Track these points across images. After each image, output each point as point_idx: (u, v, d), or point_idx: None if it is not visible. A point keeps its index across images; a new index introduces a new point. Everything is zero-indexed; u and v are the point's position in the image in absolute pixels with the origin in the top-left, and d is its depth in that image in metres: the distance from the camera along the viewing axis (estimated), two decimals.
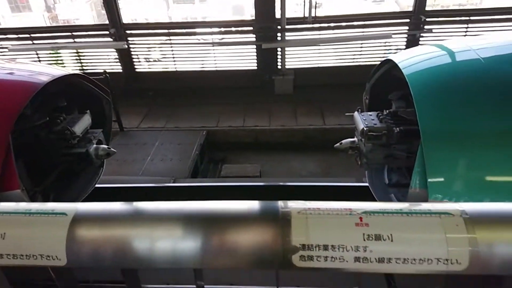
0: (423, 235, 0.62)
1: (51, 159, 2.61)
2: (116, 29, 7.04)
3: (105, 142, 2.97)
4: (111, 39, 7.20)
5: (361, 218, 0.64)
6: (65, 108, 2.76)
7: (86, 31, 7.44)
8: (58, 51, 7.60)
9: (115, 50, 7.52)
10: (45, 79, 2.38)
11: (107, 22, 7.14)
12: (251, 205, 0.73)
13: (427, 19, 6.33)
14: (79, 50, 7.62)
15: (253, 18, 6.84)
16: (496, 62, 2.36)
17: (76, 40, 7.34)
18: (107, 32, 7.14)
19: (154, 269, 0.67)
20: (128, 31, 7.26)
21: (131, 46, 7.43)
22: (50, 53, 7.69)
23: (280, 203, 0.71)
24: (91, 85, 2.90)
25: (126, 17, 7.49)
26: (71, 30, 7.45)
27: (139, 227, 0.69)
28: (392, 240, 0.61)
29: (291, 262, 0.63)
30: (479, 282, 0.63)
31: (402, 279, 2.68)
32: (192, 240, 0.67)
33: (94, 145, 2.73)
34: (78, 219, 0.71)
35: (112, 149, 2.80)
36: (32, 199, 2.25)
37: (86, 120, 2.78)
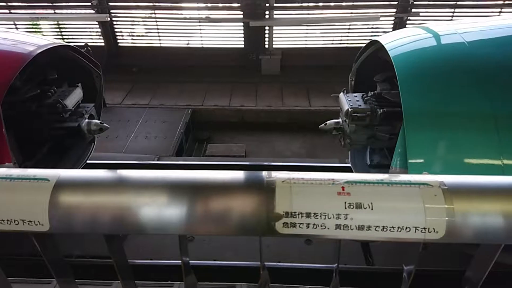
0: (402, 204, 0.64)
1: (41, 133, 2.53)
2: (99, 0, 6.80)
3: (97, 117, 2.90)
4: (93, 11, 6.95)
5: (343, 188, 0.65)
6: (55, 80, 2.67)
7: (68, 2, 7.15)
8: (38, 22, 7.30)
9: (97, 23, 7.27)
10: (35, 49, 2.29)
11: None
12: (237, 175, 0.73)
13: (415, 2, 6.34)
14: (59, 22, 7.34)
15: None
16: (480, 46, 2.39)
17: (57, 11, 7.06)
18: (89, 4, 6.89)
19: (140, 234, 0.67)
20: (111, 3, 7.01)
21: (114, 19, 7.20)
22: (29, 24, 7.38)
23: (265, 173, 0.72)
24: (82, 58, 2.81)
25: None
26: (51, 0, 7.15)
27: (124, 193, 0.69)
28: (372, 209, 0.63)
29: (274, 229, 0.64)
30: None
31: (380, 258, 2.77)
32: (179, 206, 0.67)
33: (86, 120, 2.67)
34: (61, 185, 0.70)
35: (105, 124, 2.73)
36: None
37: (77, 94, 2.70)
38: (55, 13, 7.08)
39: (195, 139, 6.03)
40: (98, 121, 2.73)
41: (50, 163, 2.68)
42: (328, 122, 2.97)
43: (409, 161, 2.02)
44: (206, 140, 5.88)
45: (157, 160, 4.57)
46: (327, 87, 6.36)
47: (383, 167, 2.97)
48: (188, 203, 0.67)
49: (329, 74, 6.71)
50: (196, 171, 0.74)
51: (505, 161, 1.90)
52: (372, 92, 2.79)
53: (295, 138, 5.77)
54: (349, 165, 3.23)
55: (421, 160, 2.04)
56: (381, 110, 2.57)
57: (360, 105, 2.69)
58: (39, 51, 2.28)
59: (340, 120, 2.91)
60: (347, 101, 2.76)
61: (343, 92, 2.94)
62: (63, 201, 0.68)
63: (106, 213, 0.67)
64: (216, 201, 0.67)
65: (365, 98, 2.75)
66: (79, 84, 2.77)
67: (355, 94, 2.86)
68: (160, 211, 0.67)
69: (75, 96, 2.66)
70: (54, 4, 7.03)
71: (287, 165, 4.13)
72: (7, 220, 0.68)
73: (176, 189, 0.69)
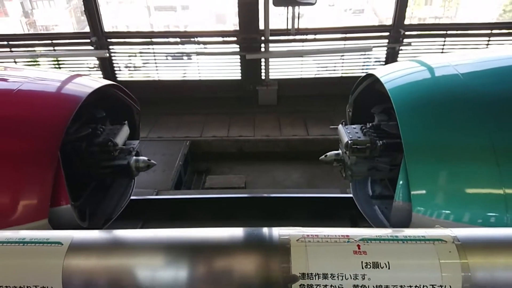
0: (418, 262, 0.64)
1: (90, 172, 2.52)
2: (98, 37, 6.95)
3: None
4: (92, 48, 7.09)
5: (358, 246, 0.65)
6: (100, 119, 2.68)
7: (67, 39, 7.31)
8: (37, 59, 7.43)
9: (96, 59, 7.41)
10: (86, 90, 2.33)
11: (88, 30, 7.04)
12: (248, 232, 0.73)
13: (406, 33, 6.53)
14: (59, 59, 7.47)
15: (237, 28, 6.89)
16: (474, 78, 2.46)
17: (56, 48, 7.20)
18: (88, 40, 7.03)
19: None
20: (109, 40, 7.17)
21: (112, 54, 7.34)
22: (28, 61, 7.51)
23: (278, 230, 0.72)
24: (124, 95, 2.83)
25: (107, 24, 7.40)
26: (51, 38, 7.30)
27: (139, 256, 0.68)
28: (389, 268, 0.63)
29: None
30: None
31: None
32: (190, 269, 0.67)
33: (134, 157, 2.66)
34: (74, 248, 0.69)
35: (152, 161, 2.73)
36: None
37: (125, 131, 2.71)
38: (54, 50, 7.22)
39: (194, 171, 6.01)
40: (145, 158, 2.72)
41: (94, 203, 2.64)
42: (328, 153, 2.99)
43: (412, 193, 2.03)
44: (205, 172, 5.86)
45: (156, 195, 4.54)
46: (323, 116, 6.45)
47: (385, 198, 2.97)
48: (201, 265, 0.67)
49: (325, 103, 6.82)
50: (210, 229, 0.74)
51: (507, 191, 1.91)
52: (370, 124, 2.83)
53: (295, 167, 5.77)
54: (351, 195, 3.23)
55: (424, 192, 2.05)
56: (381, 141, 2.60)
57: (359, 137, 2.72)
58: (89, 91, 2.31)
59: (340, 151, 2.94)
60: (346, 133, 2.80)
61: (342, 124, 2.98)
62: (77, 265, 0.67)
63: (121, 277, 0.67)
64: (229, 262, 0.67)
65: (364, 130, 2.79)
66: (126, 122, 2.79)
67: (354, 126, 2.90)
68: (177, 273, 0.66)
69: (124, 134, 2.67)
70: (53, 42, 7.17)
71: (288, 196, 4.12)
72: (20, 287, 0.67)
73: (188, 250, 0.69)
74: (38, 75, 2.63)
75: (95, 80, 2.61)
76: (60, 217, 1.90)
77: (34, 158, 1.91)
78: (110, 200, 2.76)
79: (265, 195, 4.27)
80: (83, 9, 6.84)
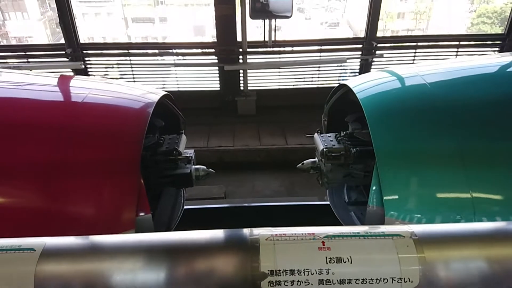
0: (379, 256, 0.68)
1: (152, 182, 2.48)
2: (73, 49, 6.87)
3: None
4: (67, 59, 6.99)
5: (323, 242, 0.69)
6: (158, 128, 2.67)
7: (41, 51, 7.18)
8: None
9: (71, 70, 7.30)
10: (150, 100, 2.36)
11: (63, 41, 6.95)
12: (219, 234, 0.76)
13: (379, 45, 6.76)
14: (33, 71, 7.32)
15: (215, 40, 6.95)
16: (440, 87, 2.58)
17: (30, 60, 7.06)
18: (63, 52, 6.94)
19: None
20: (85, 51, 7.09)
21: (88, 66, 7.25)
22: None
23: (248, 231, 0.75)
24: (172, 104, 2.84)
25: (83, 36, 7.32)
26: (24, 49, 7.16)
27: (114, 260, 0.69)
28: (351, 262, 0.67)
29: None
30: None
31: None
32: (163, 271, 0.69)
33: (194, 166, 2.65)
34: (47, 254, 0.70)
35: (211, 169, 2.73)
36: None
37: (184, 140, 2.71)
38: (28, 62, 7.07)
39: None
40: (204, 167, 2.73)
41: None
42: (305, 162, 3.05)
43: (384, 198, 2.09)
44: None
45: None
46: (302, 126, 6.54)
47: (361, 204, 3.04)
48: (173, 267, 0.69)
49: (302, 113, 6.93)
50: (179, 232, 0.76)
51: (474, 195, 2.01)
52: (344, 132, 2.91)
53: (274, 176, 5.82)
54: (328, 202, 3.29)
55: (396, 197, 2.12)
56: (354, 149, 2.68)
57: (334, 145, 2.80)
58: (154, 102, 2.33)
59: (316, 159, 3.00)
60: (322, 141, 2.87)
61: (317, 132, 3.05)
62: (50, 272, 0.68)
63: (95, 283, 0.68)
64: (198, 263, 0.69)
65: (338, 138, 2.87)
66: (183, 131, 2.80)
67: (329, 134, 2.97)
68: (148, 277, 0.68)
69: (183, 143, 2.68)
70: (27, 53, 7.03)
71: (268, 205, 4.15)
72: None
73: (161, 254, 0.71)
74: (95, 86, 2.60)
75: (151, 91, 2.65)
76: (143, 227, 1.90)
77: (122, 169, 1.93)
78: (163, 209, 2.75)
79: (245, 204, 4.29)
80: (58, 20, 6.76)
